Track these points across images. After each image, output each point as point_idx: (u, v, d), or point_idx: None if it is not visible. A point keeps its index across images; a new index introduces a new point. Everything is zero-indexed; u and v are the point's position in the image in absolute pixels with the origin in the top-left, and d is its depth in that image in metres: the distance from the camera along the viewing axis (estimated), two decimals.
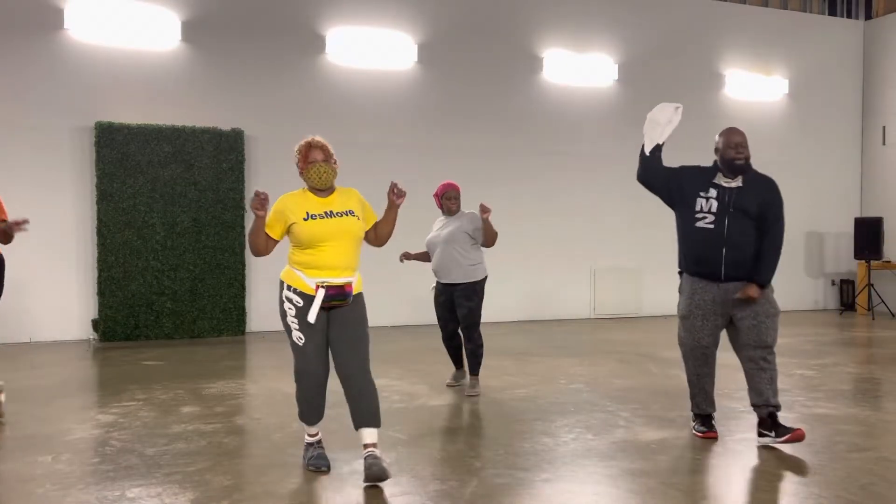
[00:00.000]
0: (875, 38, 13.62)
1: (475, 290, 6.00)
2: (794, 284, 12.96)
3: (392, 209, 4.04)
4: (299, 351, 3.91)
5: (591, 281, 11.88)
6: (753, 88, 12.85)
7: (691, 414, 4.82)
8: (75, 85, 9.29)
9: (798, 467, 4.11)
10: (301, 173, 3.94)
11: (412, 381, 6.55)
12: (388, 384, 6.41)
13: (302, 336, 3.87)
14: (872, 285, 12.59)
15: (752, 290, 4.38)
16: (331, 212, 3.86)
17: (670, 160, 4.70)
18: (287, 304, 3.88)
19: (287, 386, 6.32)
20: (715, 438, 4.64)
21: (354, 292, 3.91)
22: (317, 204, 3.88)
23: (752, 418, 4.99)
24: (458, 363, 6.38)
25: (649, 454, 4.34)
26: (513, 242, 11.08)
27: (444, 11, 10.99)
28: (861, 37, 13.80)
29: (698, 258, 4.51)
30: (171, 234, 9.38)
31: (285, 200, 3.94)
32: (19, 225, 5.23)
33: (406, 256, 6.40)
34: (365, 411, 3.86)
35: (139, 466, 4.10)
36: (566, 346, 8.77)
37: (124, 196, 9.20)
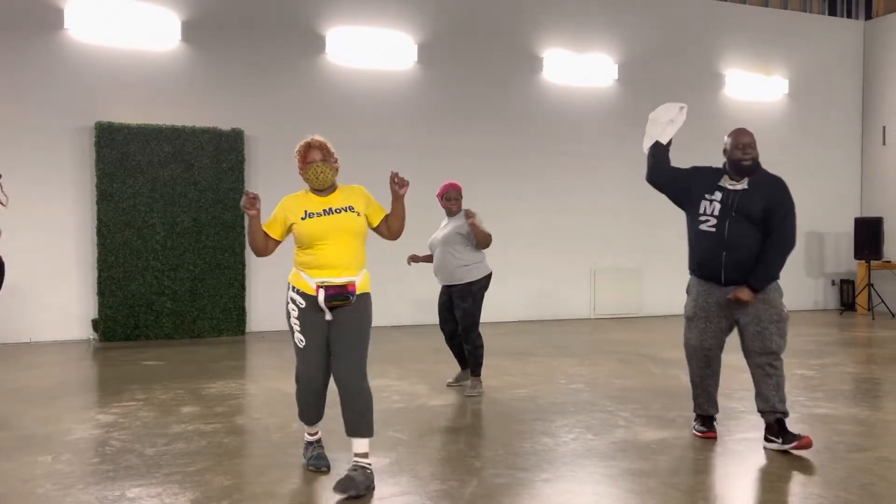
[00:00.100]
0: (875, 38, 13.62)
1: (470, 291, 5.97)
2: (794, 284, 12.94)
3: (398, 200, 3.88)
4: (300, 353, 3.89)
5: (591, 281, 11.88)
6: (753, 88, 12.85)
7: (693, 414, 4.82)
8: (75, 85, 9.29)
9: (798, 467, 4.11)
10: (301, 174, 3.93)
11: (412, 381, 6.55)
12: (388, 384, 6.41)
13: (303, 338, 3.85)
14: (872, 285, 12.59)
15: (743, 294, 4.33)
16: (330, 209, 3.82)
17: (670, 160, 4.70)
18: (291, 306, 3.87)
19: (287, 386, 6.32)
20: (714, 439, 4.64)
21: (359, 292, 3.82)
22: (317, 203, 3.86)
23: (753, 418, 5.00)
24: (462, 363, 6.37)
25: (649, 454, 4.34)
26: (513, 242, 11.10)
27: (444, 11, 10.99)
28: (861, 37, 13.80)
29: (701, 261, 4.52)
30: (171, 234, 9.38)
31: (286, 201, 3.93)
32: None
33: (413, 259, 6.38)
34: (354, 419, 3.74)
35: (139, 466, 4.10)
36: (566, 346, 8.76)
37: (124, 196, 9.20)
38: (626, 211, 11.95)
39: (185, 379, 6.71)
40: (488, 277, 6.08)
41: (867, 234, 12.23)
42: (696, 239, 4.52)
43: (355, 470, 3.67)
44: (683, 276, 13.05)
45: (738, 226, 4.34)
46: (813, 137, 13.31)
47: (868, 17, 13.81)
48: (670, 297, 12.14)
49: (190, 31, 9.73)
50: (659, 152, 4.68)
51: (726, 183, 4.45)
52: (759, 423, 4.69)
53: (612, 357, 7.93)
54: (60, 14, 9.19)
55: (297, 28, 10.24)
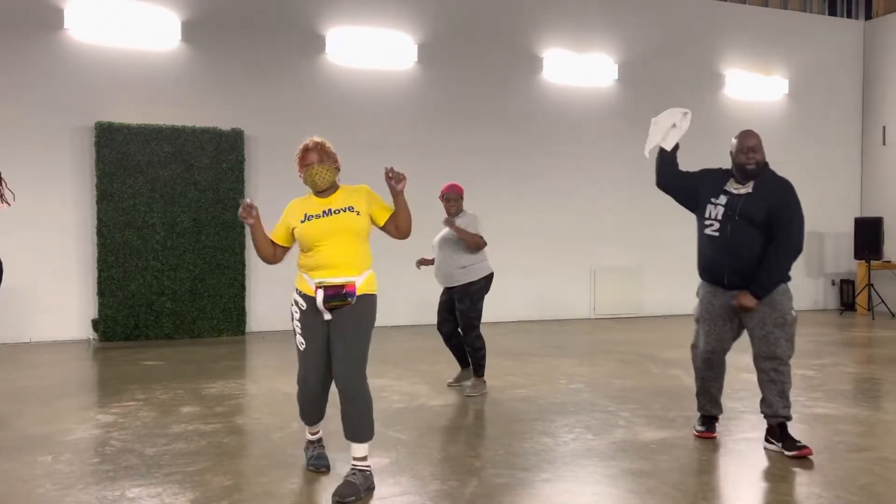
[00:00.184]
0: (875, 38, 13.62)
1: (468, 292, 5.95)
2: (794, 284, 12.88)
3: (397, 196, 3.78)
4: (300, 355, 3.87)
5: (591, 281, 11.88)
6: (753, 88, 12.85)
7: (697, 413, 4.82)
8: (75, 85, 9.29)
9: (798, 467, 4.10)
10: (301, 179, 3.91)
11: (412, 381, 6.55)
12: (388, 384, 6.41)
13: (303, 341, 3.83)
14: (872, 285, 12.59)
15: (746, 300, 4.29)
16: (329, 210, 3.79)
17: (678, 163, 4.67)
18: (294, 307, 3.86)
19: (287, 386, 6.33)
20: (712, 439, 4.63)
21: (362, 293, 3.75)
22: (317, 205, 3.84)
23: (753, 418, 5.01)
24: (461, 362, 6.37)
25: (649, 454, 4.34)
26: (513, 242, 11.10)
27: (444, 11, 10.99)
28: (861, 37, 13.80)
29: (706, 265, 4.51)
30: (171, 234, 9.38)
31: (290, 205, 3.92)
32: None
33: (422, 262, 6.36)
34: (352, 423, 3.70)
35: (139, 466, 4.10)
36: (566, 346, 8.76)
37: (124, 196, 9.20)
38: (626, 211, 11.95)
39: (185, 379, 6.71)
40: (488, 278, 6.05)
41: (867, 234, 12.23)
42: (703, 243, 4.53)
43: (354, 474, 3.66)
44: (683, 276, 13.08)
45: (740, 230, 4.30)
46: (813, 137, 13.31)
47: (868, 17, 13.82)
48: (670, 297, 12.16)
49: (190, 31, 9.73)
50: (665, 158, 4.64)
51: (731, 187, 4.42)
52: (760, 424, 4.69)
53: (612, 357, 7.93)
54: (60, 14, 9.19)
55: (297, 28, 10.24)
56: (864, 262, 12.48)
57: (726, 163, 4.63)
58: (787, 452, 4.28)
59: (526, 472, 4.02)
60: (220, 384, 6.47)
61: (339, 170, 3.92)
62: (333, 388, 3.96)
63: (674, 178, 4.64)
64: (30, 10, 9.11)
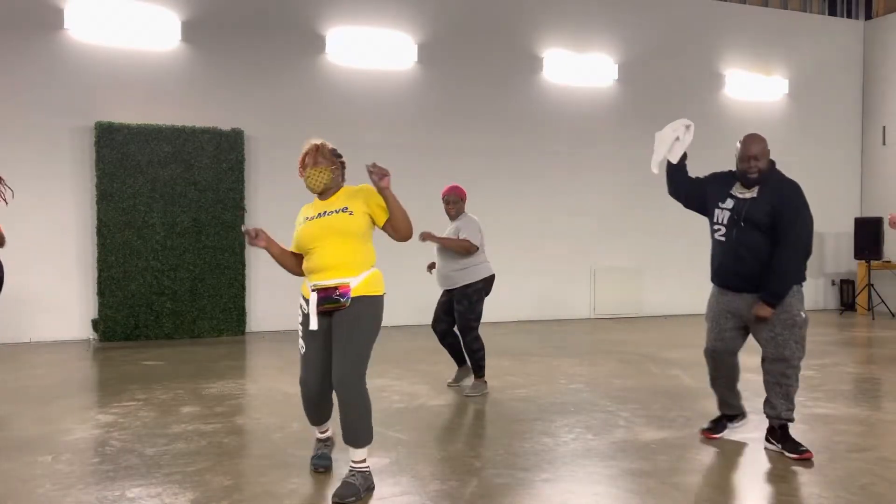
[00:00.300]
0: (875, 38, 13.63)
1: (465, 294, 5.95)
2: None
3: (384, 195, 3.63)
4: (301, 358, 3.86)
5: (591, 281, 11.88)
6: (753, 88, 12.85)
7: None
8: (75, 85, 9.29)
9: (798, 467, 4.11)
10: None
11: (412, 381, 6.55)
12: (388, 384, 6.41)
13: (303, 343, 3.83)
14: (872, 285, 12.59)
15: (762, 311, 4.21)
16: (324, 212, 3.76)
17: (687, 170, 4.67)
18: (299, 311, 3.87)
19: (287, 386, 6.33)
20: (714, 440, 4.63)
21: (358, 294, 3.67)
22: (316, 207, 3.83)
23: (754, 418, 5.00)
24: (458, 361, 6.37)
25: (649, 454, 4.34)
26: (513, 242, 11.10)
27: (444, 11, 10.99)
28: (861, 37, 13.80)
29: (716, 268, 4.50)
30: (171, 234, 9.38)
31: (299, 212, 3.92)
32: None
33: (433, 266, 6.27)
34: (347, 428, 3.66)
35: (139, 466, 4.10)
36: (566, 346, 8.76)
37: (124, 196, 9.20)
38: (627, 211, 11.95)
39: (185, 379, 6.71)
40: (487, 280, 6.03)
41: (867, 234, 12.23)
42: (713, 247, 4.52)
43: (353, 475, 3.65)
44: (683, 276, 13.09)
45: (746, 235, 4.27)
46: (813, 137, 13.31)
47: (868, 17, 13.82)
48: (670, 297, 12.17)
49: (190, 31, 9.73)
50: (674, 169, 4.63)
51: (737, 191, 4.38)
52: (761, 423, 4.69)
53: (612, 357, 7.93)
54: (60, 14, 9.19)
55: (297, 28, 10.24)
56: (864, 262, 12.48)
57: (727, 163, 4.62)
58: (787, 454, 4.28)
59: (526, 472, 4.02)
60: (220, 384, 6.47)
61: (338, 170, 3.88)
62: None
63: (684, 187, 4.62)
64: (30, 10, 9.11)
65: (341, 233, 3.69)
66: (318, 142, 3.88)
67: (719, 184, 4.50)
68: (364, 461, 3.70)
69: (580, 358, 7.87)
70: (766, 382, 4.39)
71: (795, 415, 4.43)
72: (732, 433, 4.74)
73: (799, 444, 4.29)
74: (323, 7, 10.35)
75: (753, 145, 4.28)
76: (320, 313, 3.72)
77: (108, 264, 9.16)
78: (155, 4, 9.55)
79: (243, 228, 3.75)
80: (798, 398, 5.72)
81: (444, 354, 7.08)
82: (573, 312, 11.79)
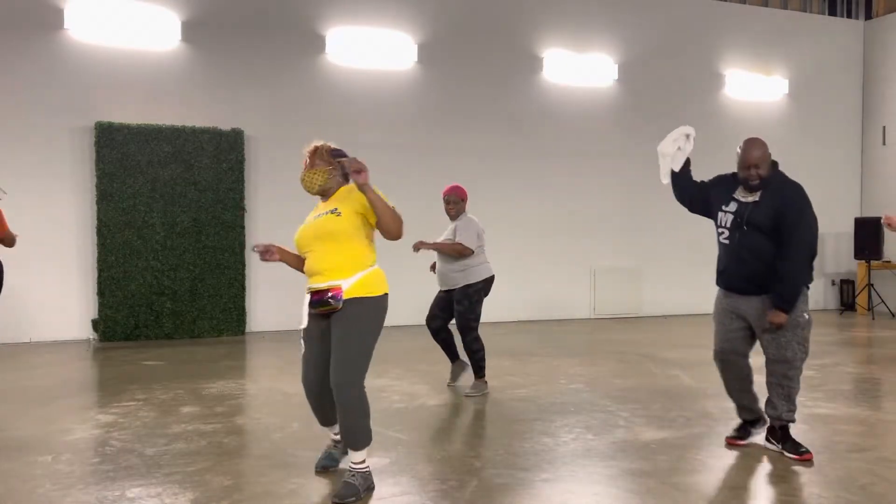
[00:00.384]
0: (875, 38, 13.63)
1: (466, 294, 5.95)
2: None
3: (364, 191, 3.54)
4: (302, 358, 3.87)
5: (591, 281, 11.88)
6: (753, 88, 12.85)
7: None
8: (75, 85, 9.29)
9: (798, 467, 4.11)
10: None
11: (412, 381, 6.55)
12: (388, 384, 6.41)
13: (303, 345, 3.84)
14: (872, 285, 12.59)
15: (777, 318, 4.16)
16: (320, 214, 3.76)
17: (691, 175, 4.67)
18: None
19: (287, 386, 6.33)
20: (740, 446, 4.51)
21: (351, 296, 3.62)
22: (318, 209, 3.83)
23: None
24: (451, 357, 6.36)
25: (649, 454, 4.34)
26: (513, 242, 11.10)
27: (444, 11, 10.99)
28: (861, 37, 13.80)
29: (721, 271, 4.49)
30: (171, 234, 9.38)
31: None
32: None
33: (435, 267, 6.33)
34: (344, 431, 3.66)
35: (139, 466, 4.10)
36: (566, 346, 8.76)
37: (124, 196, 9.20)
38: (627, 211, 11.95)
39: (185, 379, 6.71)
40: (487, 281, 6.04)
41: (867, 234, 12.22)
42: (719, 250, 4.51)
43: (353, 476, 3.65)
44: (683, 276, 13.08)
45: (749, 238, 4.26)
46: (813, 137, 13.31)
47: (868, 17, 13.82)
48: (670, 297, 12.16)
49: (190, 31, 9.73)
50: (677, 175, 4.62)
51: (740, 195, 4.36)
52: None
53: (612, 357, 7.93)
54: (60, 14, 9.19)
55: (297, 28, 10.24)
56: (864, 262, 12.48)
57: (728, 164, 4.62)
58: (787, 454, 4.28)
59: (526, 472, 4.02)
60: (220, 384, 6.47)
61: (336, 170, 3.81)
62: None
63: (689, 192, 4.61)
64: (30, 10, 9.11)
65: (330, 235, 3.67)
66: (318, 143, 3.87)
67: (722, 187, 4.49)
68: (364, 462, 3.70)
69: (580, 358, 7.87)
70: (768, 383, 4.38)
71: (796, 415, 4.43)
72: (755, 438, 4.61)
73: (799, 445, 4.29)
74: (323, 7, 10.35)
75: (753, 152, 4.24)
76: (318, 315, 3.73)
77: (108, 264, 9.16)
78: (155, 4, 9.55)
79: (254, 249, 3.74)
80: (798, 398, 5.73)
81: (444, 354, 7.07)
82: (573, 312, 11.78)
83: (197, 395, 6.02)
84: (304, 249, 3.76)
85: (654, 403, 5.67)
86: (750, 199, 4.31)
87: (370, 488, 3.69)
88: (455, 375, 6.37)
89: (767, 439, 4.45)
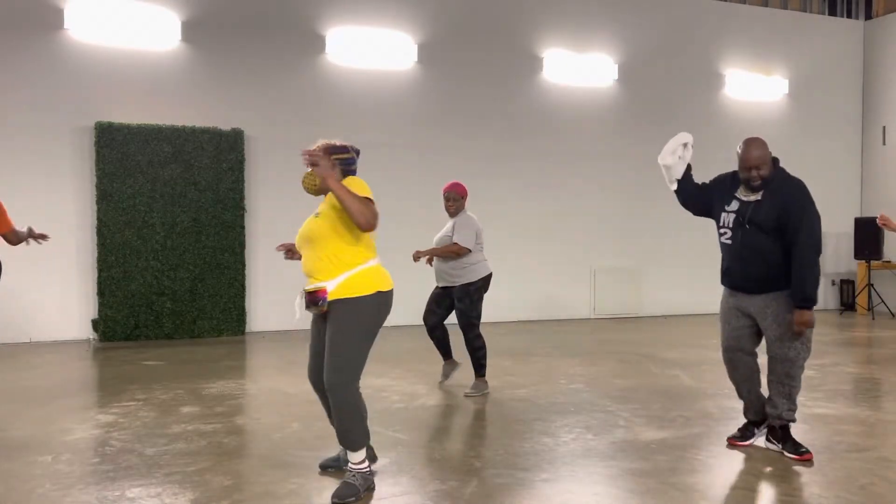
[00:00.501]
0: (875, 38, 13.62)
1: (467, 292, 5.97)
2: None
3: (324, 183, 3.51)
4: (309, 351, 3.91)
5: (591, 281, 11.88)
6: (753, 88, 12.85)
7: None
8: (75, 85, 9.29)
9: (798, 467, 4.11)
10: None
11: (412, 381, 6.55)
12: (388, 384, 6.41)
13: (310, 336, 3.88)
14: (872, 285, 12.59)
15: (802, 317, 4.11)
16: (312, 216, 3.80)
17: (693, 179, 4.67)
18: None
19: (287, 386, 6.33)
20: (743, 447, 4.51)
21: (334, 297, 3.60)
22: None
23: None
24: (444, 354, 6.37)
25: (649, 454, 4.33)
26: (513, 242, 11.10)
27: (444, 11, 10.99)
28: (861, 37, 13.80)
29: (724, 270, 4.48)
30: (171, 234, 9.38)
31: None
32: (36, 238, 5.86)
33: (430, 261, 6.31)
34: (340, 431, 3.67)
35: (139, 466, 4.10)
36: (566, 346, 8.76)
37: (124, 196, 9.20)
38: (626, 211, 11.95)
39: (185, 379, 6.71)
40: (486, 279, 6.06)
41: (867, 234, 12.23)
42: (722, 250, 4.51)
43: (353, 476, 3.66)
44: (683, 276, 13.06)
45: (751, 237, 4.25)
46: (813, 137, 13.30)
47: (868, 17, 13.82)
48: (670, 297, 12.16)
49: (190, 31, 9.73)
50: (681, 183, 4.62)
51: (741, 194, 4.35)
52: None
53: (612, 357, 7.93)
54: (60, 14, 9.19)
55: (297, 28, 10.24)
56: (864, 262, 12.48)
57: (727, 164, 4.62)
58: (787, 454, 4.28)
59: (526, 472, 4.02)
60: (220, 384, 6.47)
61: (336, 167, 3.75)
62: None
63: (693, 198, 4.61)
64: (30, 10, 9.11)
65: (309, 238, 3.69)
66: (321, 143, 3.84)
67: (724, 187, 4.48)
68: (363, 462, 3.70)
69: (580, 358, 7.87)
70: (769, 382, 4.38)
71: (797, 415, 4.42)
72: (732, 433, 4.69)
73: (799, 445, 4.28)
74: (323, 7, 10.35)
75: (753, 152, 4.22)
76: (322, 316, 3.76)
77: (108, 264, 9.16)
78: (155, 4, 9.55)
79: (278, 248, 3.86)
80: (798, 398, 5.73)
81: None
82: (573, 312, 11.78)
83: (197, 395, 6.02)
84: (299, 251, 3.83)
85: (654, 403, 5.67)
86: (752, 197, 4.30)
87: (370, 488, 3.69)
88: (447, 373, 6.39)
89: (768, 439, 4.45)
